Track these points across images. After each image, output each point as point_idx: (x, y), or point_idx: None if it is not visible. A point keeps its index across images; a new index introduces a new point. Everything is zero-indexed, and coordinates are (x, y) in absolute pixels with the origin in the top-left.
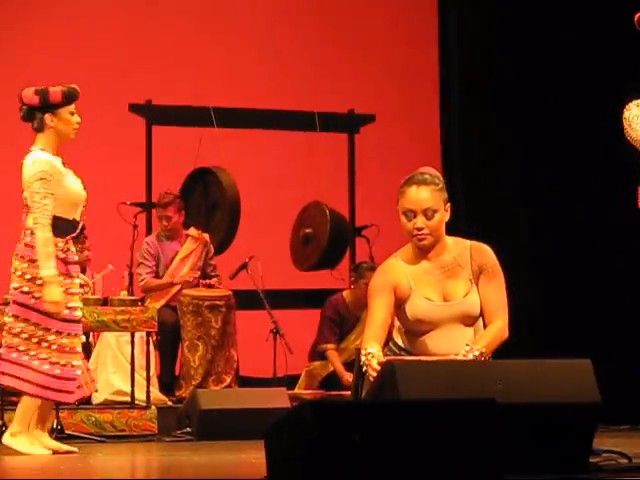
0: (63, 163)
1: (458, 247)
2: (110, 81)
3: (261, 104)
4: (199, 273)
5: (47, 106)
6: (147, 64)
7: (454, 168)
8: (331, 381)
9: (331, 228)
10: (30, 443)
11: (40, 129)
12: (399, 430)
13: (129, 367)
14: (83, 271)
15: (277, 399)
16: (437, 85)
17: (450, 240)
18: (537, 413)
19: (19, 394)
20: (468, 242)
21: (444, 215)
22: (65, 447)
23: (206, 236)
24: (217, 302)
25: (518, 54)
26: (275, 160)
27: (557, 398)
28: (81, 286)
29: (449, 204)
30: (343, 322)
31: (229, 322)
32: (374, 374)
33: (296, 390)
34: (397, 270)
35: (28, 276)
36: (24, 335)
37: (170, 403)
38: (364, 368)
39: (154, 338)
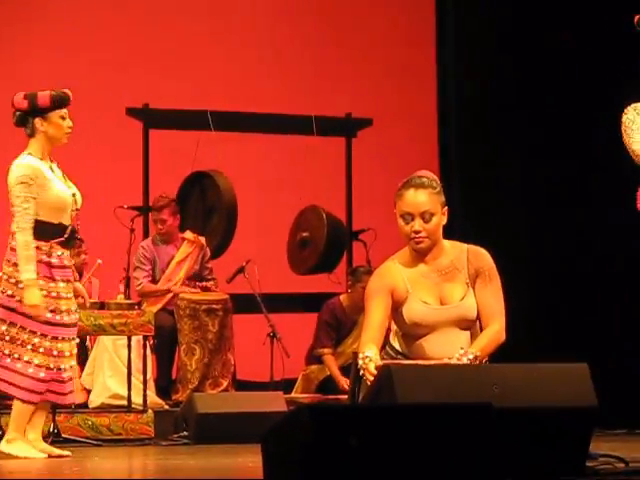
0: (52, 168)
1: (455, 250)
2: (107, 85)
3: (258, 108)
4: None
5: (36, 110)
6: (144, 68)
7: (452, 172)
8: (328, 385)
9: (328, 232)
10: (27, 448)
11: (31, 134)
12: (396, 434)
13: (126, 371)
14: (80, 275)
15: (274, 403)
16: (435, 89)
17: (447, 243)
18: (534, 417)
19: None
20: (465, 245)
21: (441, 218)
22: (57, 451)
23: (202, 239)
24: (214, 306)
25: (517, 54)
26: (272, 164)
27: (554, 402)
28: (76, 297)
29: (446, 207)
30: (340, 326)
31: (226, 326)
32: (371, 378)
33: (293, 394)
34: (394, 273)
35: (13, 280)
36: (8, 338)
37: (167, 407)
38: (361, 372)
39: (151, 342)
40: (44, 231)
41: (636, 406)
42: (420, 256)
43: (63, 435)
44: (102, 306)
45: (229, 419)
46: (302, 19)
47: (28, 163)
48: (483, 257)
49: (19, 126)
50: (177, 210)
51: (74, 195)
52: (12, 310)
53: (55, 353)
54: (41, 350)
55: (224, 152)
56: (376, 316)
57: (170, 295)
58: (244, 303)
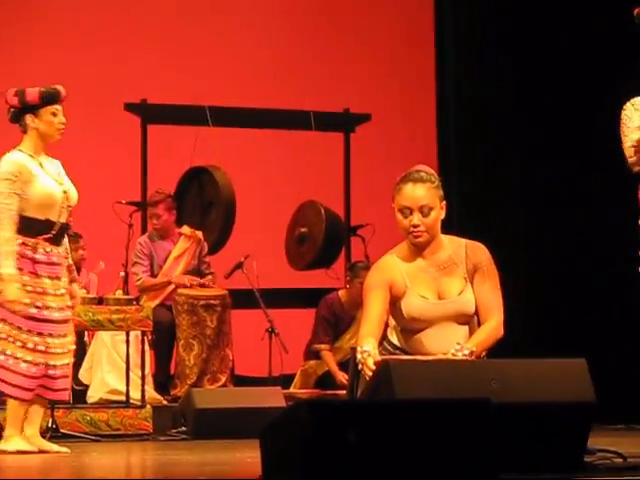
0: (41, 164)
1: (453, 245)
2: (105, 80)
3: (256, 103)
4: (197, 280)
5: (26, 107)
6: (142, 63)
7: (450, 167)
8: (326, 380)
9: (326, 227)
10: (21, 442)
11: (24, 130)
12: (394, 429)
13: (124, 366)
14: (78, 271)
15: (272, 398)
16: (433, 84)
17: (445, 238)
18: (532, 412)
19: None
20: (463, 240)
21: (440, 213)
22: (56, 448)
23: (199, 234)
24: (212, 301)
25: (516, 52)
26: (270, 159)
27: (552, 397)
28: (72, 297)
29: (445, 202)
30: (338, 321)
31: (224, 321)
32: (370, 373)
33: (291, 389)
34: (392, 268)
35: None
36: (2, 335)
37: (165, 402)
38: (360, 366)
39: (149, 337)
40: (30, 227)
41: (634, 401)
42: (418, 251)
43: (61, 430)
44: (100, 301)
45: (227, 414)
46: (300, 15)
47: (14, 159)
48: (481, 252)
49: (13, 122)
50: (173, 205)
51: (65, 192)
52: (1, 306)
53: (42, 349)
54: (30, 346)
55: (222, 147)
56: (375, 310)
57: (171, 288)
58: (242, 298)
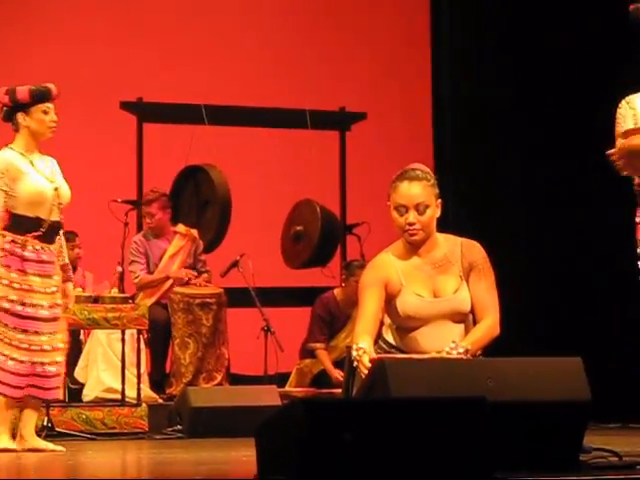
0: (32, 162)
1: (449, 243)
2: (101, 79)
3: (252, 102)
4: (195, 274)
5: (17, 105)
6: (138, 62)
7: (446, 166)
8: (322, 379)
9: (322, 226)
10: (6, 440)
11: (16, 129)
12: (390, 428)
13: (120, 365)
14: (73, 269)
15: (268, 397)
16: (429, 82)
17: (441, 237)
18: (527, 411)
19: None
20: (459, 239)
21: (435, 211)
22: (51, 446)
23: (194, 232)
24: (208, 300)
25: (512, 51)
26: (266, 158)
27: (548, 396)
28: (65, 295)
29: (440, 200)
30: (334, 320)
31: (220, 320)
32: (365, 371)
33: (287, 388)
34: (388, 266)
35: None
36: None
37: (161, 401)
38: (355, 363)
39: (145, 336)
40: (19, 224)
41: (630, 400)
42: (414, 249)
43: (57, 429)
44: (96, 300)
45: (223, 413)
46: (297, 14)
47: (0, 157)
48: (477, 251)
49: (5, 121)
50: (167, 204)
51: (57, 189)
52: None
53: (25, 346)
54: (14, 343)
55: (218, 146)
56: (370, 307)
57: (166, 287)
58: (238, 297)
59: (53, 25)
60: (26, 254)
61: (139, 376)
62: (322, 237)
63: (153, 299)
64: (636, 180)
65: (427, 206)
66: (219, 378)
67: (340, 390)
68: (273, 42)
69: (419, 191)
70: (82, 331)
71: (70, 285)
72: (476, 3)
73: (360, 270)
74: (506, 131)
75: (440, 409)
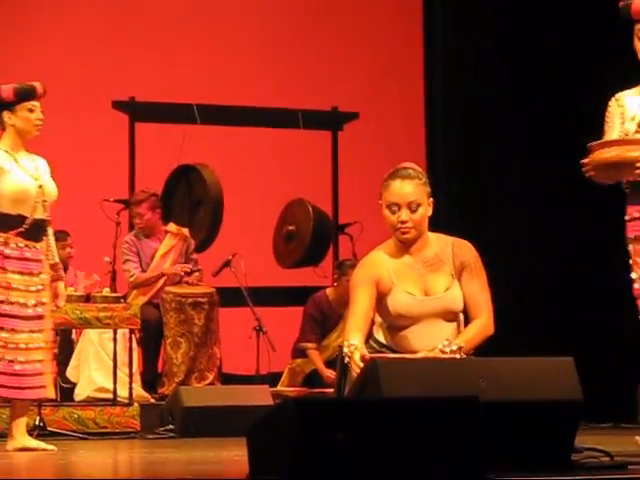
0: (16, 159)
1: (440, 242)
2: (93, 78)
3: (245, 101)
4: (190, 267)
5: (2, 104)
6: (130, 61)
7: (439, 165)
8: (314, 378)
9: (314, 225)
10: None
11: (3, 127)
12: (382, 428)
13: (111, 364)
14: (65, 268)
15: (260, 396)
16: (422, 82)
17: (432, 236)
18: (519, 411)
19: None
20: (450, 238)
21: (427, 210)
22: (43, 445)
23: (185, 231)
24: (200, 299)
25: (505, 51)
26: (258, 157)
27: (539, 396)
28: (56, 294)
29: (432, 199)
30: (326, 320)
31: (212, 319)
32: (356, 369)
33: (279, 387)
34: (379, 264)
35: None
36: None
37: (153, 400)
38: (346, 360)
39: (137, 335)
40: (2, 222)
41: (621, 400)
42: (405, 247)
43: (49, 428)
44: (88, 299)
45: (215, 412)
46: (289, 13)
47: None
48: (468, 250)
49: None
50: (157, 204)
51: (41, 187)
52: None
53: (9, 346)
54: None
55: (210, 145)
56: (361, 305)
57: (158, 286)
58: (230, 296)
59: (45, 25)
60: (7, 251)
61: (131, 375)
62: (314, 237)
63: (145, 298)
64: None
65: (419, 204)
66: (211, 378)
67: (332, 390)
68: (266, 42)
69: (411, 189)
70: (74, 330)
71: (61, 284)
72: (469, 3)
73: (352, 270)
74: (499, 131)
75: (432, 409)
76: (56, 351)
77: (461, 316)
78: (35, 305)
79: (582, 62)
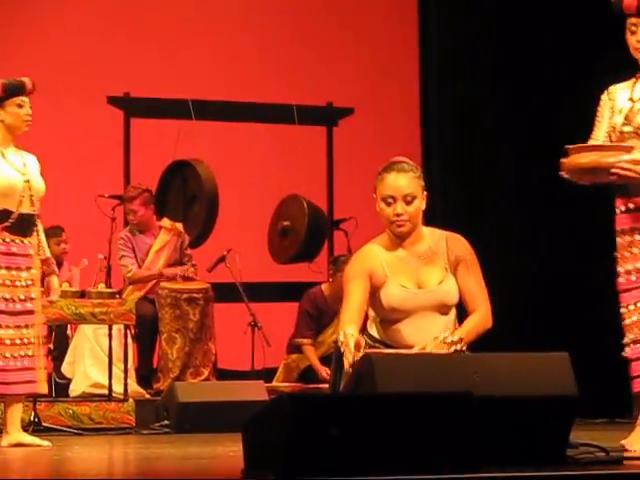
0: (3, 154)
1: (434, 236)
2: (88, 74)
3: (240, 97)
4: (192, 272)
5: None
6: (125, 57)
7: (434, 161)
8: (309, 374)
9: (309, 221)
10: None
11: None
12: (377, 423)
13: (107, 360)
14: (60, 264)
15: (255, 392)
16: (417, 78)
17: (426, 230)
18: (514, 406)
19: None
20: (444, 232)
21: (422, 203)
22: (38, 441)
23: (179, 226)
24: (195, 295)
25: (500, 50)
26: (253, 153)
27: (534, 391)
28: (49, 289)
29: (426, 193)
30: (321, 316)
31: (207, 315)
32: (350, 357)
33: (274, 383)
34: (372, 257)
35: None
36: None
37: (148, 396)
38: (342, 348)
39: (132, 331)
40: None
41: (617, 395)
42: (399, 241)
43: (44, 424)
44: (83, 295)
45: (210, 408)
46: (284, 9)
47: None
48: (462, 244)
49: None
50: (150, 200)
51: (28, 181)
52: None
53: None
54: None
55: (205, 141)
56: (355, 298)
57: (153, 281)
58: (225, 292)
59: (40, 20)
60: None
61: (126, 371)
62: (309, 232)
63: (139, 294)
64: None
65: (414, 197)
66: (206, 373)
67: (327, 385)
68: (261, 38)
69: (407, 182)
70: (69, 326)
71: (54, 279)
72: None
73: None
74: (494, 130)
75: (427, 404)
76: (51, 347)
77: (454, 310)
78: (24, 300)
79: (578, 62)
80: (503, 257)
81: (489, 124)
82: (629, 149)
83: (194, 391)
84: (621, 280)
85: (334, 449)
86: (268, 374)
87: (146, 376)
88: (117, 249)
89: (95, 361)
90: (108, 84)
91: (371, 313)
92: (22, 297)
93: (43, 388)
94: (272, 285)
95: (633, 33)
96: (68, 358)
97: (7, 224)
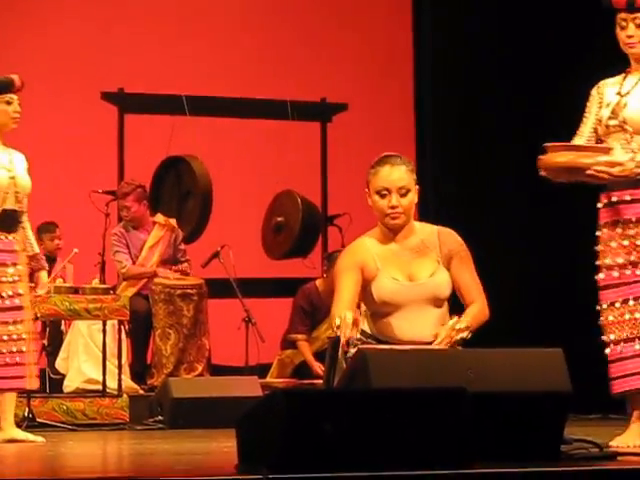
0: None
1: (425, 231)
2: (82, 69)
3: (234, 92)
4: (186, 266)
5: None
6: (119, 52)
7: (428, 156)
8: (303, 370)
9: (303, 217)
10: None
11: None
12: (370, 419)
13: (101, 355)
14: (54, 260)
15: (249, 387)
16: (411, 74)
17: (417, 224)
18: (508, 402)
19: None
20: (435, 227)
21: (415, 197)
22: (31, 437)
23: (173, 221)
24: (189, 290)
25: (498, 40)
26: (247, 148)
27: (528, 387)
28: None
29: (418, 187)
30: (315, 311)
31: (201, 310)
32: (347, 332)
33: (268, 378)
34: (364, 250)
35: None
36: None
37: (142, 392)
38: (337, 331)
39: (126, 326)
40: None
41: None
42: (391, 235)
43: (38, 420)
44: (77, 291)
45: (204, 404)
46: (279, 5)
47: None
48: (454, 238)
49: None
50: (144, 196)
51: (13, 178)
52: None
53: None
54: None
55: (199, 137)
56: (347, 291)
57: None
58: (219, 288)
59: (34, 17)
60: None
61: (120, 367)
62: (303, 228)
63: (134, 290)
64: None
65: (408, 190)
66: (200, 369)
67: (321, 381)
68: (255, 33)
69: (401, 175)
70: (63, 322)
71: (43, 274)
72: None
73: None
74: (482, 119)
75: (421, 400)
76: (45, 342)
77: (446, 304)
78: (12, 296)
79: (576, 62)
80: (502, 257)
81: (487, 121)
82: (607, 150)
83: (188, 387)
84: (601, 276)
85: (328, 445)
86: (262, 370)
87: (140, 372)
88: (111, 245)
89: (89, 357)
90: (102, 80)
91: (362, 307)
92: (10, 293)
93: (33, 384)
94: (266, 281)
95: (623, 28)
96: (62, 354)
97: None
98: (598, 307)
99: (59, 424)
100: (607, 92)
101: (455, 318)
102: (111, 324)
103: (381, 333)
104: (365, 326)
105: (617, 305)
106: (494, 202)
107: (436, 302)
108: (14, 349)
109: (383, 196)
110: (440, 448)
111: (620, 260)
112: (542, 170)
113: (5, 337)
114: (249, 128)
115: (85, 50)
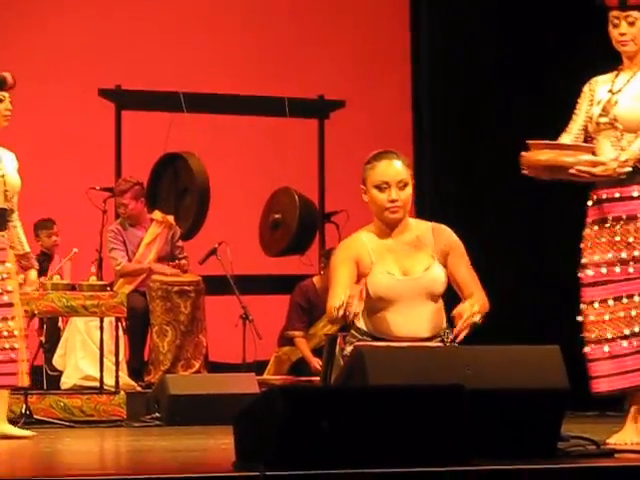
0: None
1: (420, 227)
2: (79, 66)
3: (231, 89)
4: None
5: None
6: (116, 49)
7: (427, 156)
8: (300, 367)
9: (300, 214)
10: None
11: None
12: (368, 416)
13: (98, 352)
14: (51, 257)
15: (246, 384)
16: (409, 70)
17: (412, 220)
18: (505, 399)
19: None
20: (429, 223)
21: (411, 191)
22: (23, 433)
23: (170, 218)
24: (186, 287)
25: (497, 39)
26: (245, 145)
27: (525, 384)
28: (25, 282)
29: (413, 181)
30: (312, 308)
31: (198, 307)
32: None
33: (265, 375)
34: (359, 245)
35: None
36: None
37: (139, 388)
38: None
39: (123, 323)
40: None
41: None
42: (387, 230)
43: (35, 416)
44: (74, 287)
45: (201, 401)
46: (276, 2)
47: None
48: (449, 234)
49: None
50: (141, 193)
51: (2, 177)
52: None
53: None
54: None
55: (196, 133)
56: (342, 284)
57: (144, 274)
58: (216, 285)
59: (31, 14)
60: None
61: (117, 364)
62: (300, 225)
63: (131, 287)
64: None
65: (406, 184)
66: (197, 366)
67: (319, 378)
68: (252, 30)
69: (400, 168)
70: (60, 319)
71: (32, 272)
72: None
73: None
74: (480, 117)
75: (418, 397)
76: (42, 339)
77: (441, 300)
78: (1, 294)
79: (576, 62)
80: (502, 257)
81: (486, 121)
82: (589, 149)
83: (185, 384)
84: (589, 272)
85: (325, 442)
86: (259, 367)
87: (137, 369)
88: (107, 242)
89: (86, 354)
90: (99, 77)
91: None
92: None
93: (24, 381)
94: (263, 278)
95: (615, 26)
96: (59, 350)
97: None
98: (585, 305)
99: (56, 421)
100: (599, 89)
101: (468, 300)
102: (108, 321)
103: (377, 329)
104: (360, 323)
105: (610, 303)
106: (494, 202)
107: (431, 297)
108: (7, 346)
109: (382, 190)
110: (437, 445)
111: (609, 257)
112: (524, 168)
113: None
114: (246, 125)
115: (82, 47)
